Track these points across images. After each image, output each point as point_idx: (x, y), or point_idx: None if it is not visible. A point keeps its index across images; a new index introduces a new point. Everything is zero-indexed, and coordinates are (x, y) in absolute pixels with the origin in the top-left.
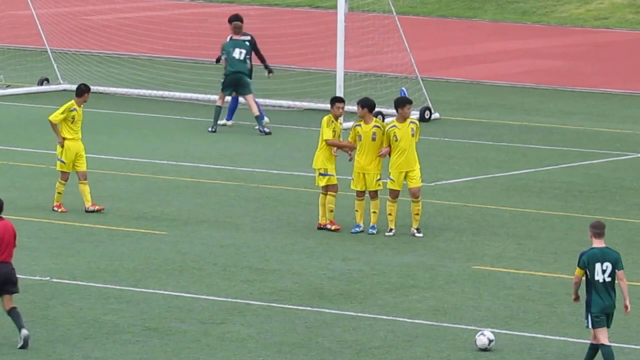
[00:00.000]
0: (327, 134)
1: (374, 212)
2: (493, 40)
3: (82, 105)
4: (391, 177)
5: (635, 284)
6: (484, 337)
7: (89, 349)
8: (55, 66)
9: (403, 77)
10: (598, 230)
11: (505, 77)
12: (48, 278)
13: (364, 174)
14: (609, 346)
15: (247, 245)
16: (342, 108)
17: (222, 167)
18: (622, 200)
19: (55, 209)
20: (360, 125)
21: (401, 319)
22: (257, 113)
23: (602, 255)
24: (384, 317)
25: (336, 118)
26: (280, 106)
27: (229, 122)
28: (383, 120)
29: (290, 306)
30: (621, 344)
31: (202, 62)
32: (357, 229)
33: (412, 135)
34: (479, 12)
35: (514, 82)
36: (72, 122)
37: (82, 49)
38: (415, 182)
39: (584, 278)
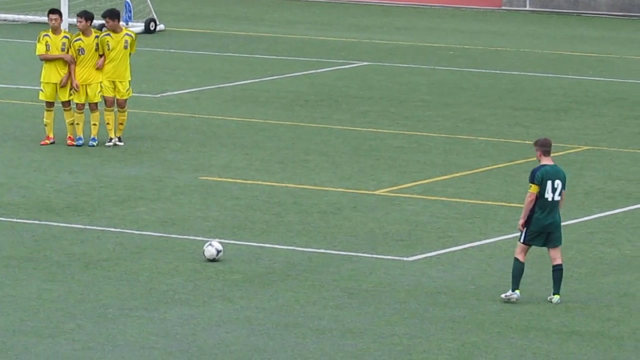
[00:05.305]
0: (38, 49)
1: (94, 125)
2: None
3: None
4: (102, 84)
5: (362, 192)
6: (212, 247)
7: None
8: None
9: None
10: (546, 147)
11: None
12: None
13: (86, 86)
14: (522, 263)
15: None
16: (57, 20)
17: None
18: (348, 109)
19: None
20: (80, 39)
21: (129, 231)
22: None
23: (555, 173)
24: (112, 229)
25: (53, 31)
26: (5, 20)
27: None
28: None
29: (18, 220)
30: (349, 252)
31: None
32: (79, 142)
33: (125, 47)
34: None
35: None
36: None
37: None
38: (122, 93)
39: None
